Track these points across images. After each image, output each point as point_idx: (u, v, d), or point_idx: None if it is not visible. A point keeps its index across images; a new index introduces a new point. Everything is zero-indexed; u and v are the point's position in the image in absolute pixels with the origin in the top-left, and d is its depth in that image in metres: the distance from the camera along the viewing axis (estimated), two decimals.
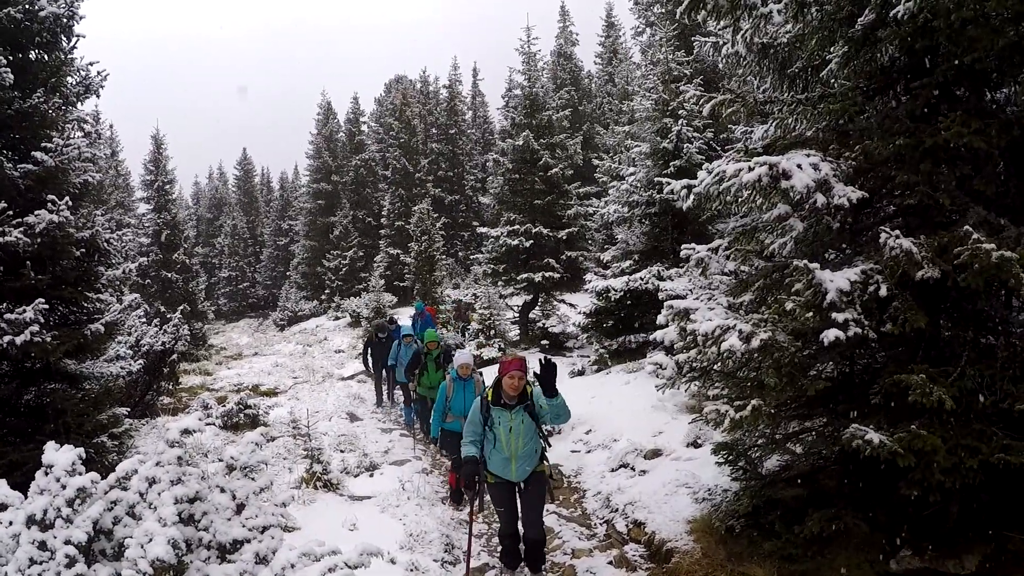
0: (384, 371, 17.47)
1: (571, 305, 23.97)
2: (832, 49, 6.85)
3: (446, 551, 8.43)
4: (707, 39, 7.92)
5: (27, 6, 9.62)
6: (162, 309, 28.55)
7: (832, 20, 6.64)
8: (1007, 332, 5.90)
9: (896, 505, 6.38)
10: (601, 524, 9.32)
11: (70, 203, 8.92)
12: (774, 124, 7.50)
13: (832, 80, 7.00)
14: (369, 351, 18.04)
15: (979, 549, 6.03)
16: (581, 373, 17.75)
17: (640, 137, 18.99)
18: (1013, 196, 6.07)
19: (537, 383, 6.98)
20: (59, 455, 5.35)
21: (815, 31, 6.80)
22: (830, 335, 5.52)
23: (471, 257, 40.50)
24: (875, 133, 6.28)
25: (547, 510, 9.03)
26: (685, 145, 16.71)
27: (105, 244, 9.86)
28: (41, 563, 4.92)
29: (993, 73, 6.10)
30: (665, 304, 6.83)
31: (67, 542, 4.97)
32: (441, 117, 53.88)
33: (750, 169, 5.99)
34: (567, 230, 24.22)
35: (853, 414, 6.20)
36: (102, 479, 5.50)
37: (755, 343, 5.81)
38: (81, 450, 5.46)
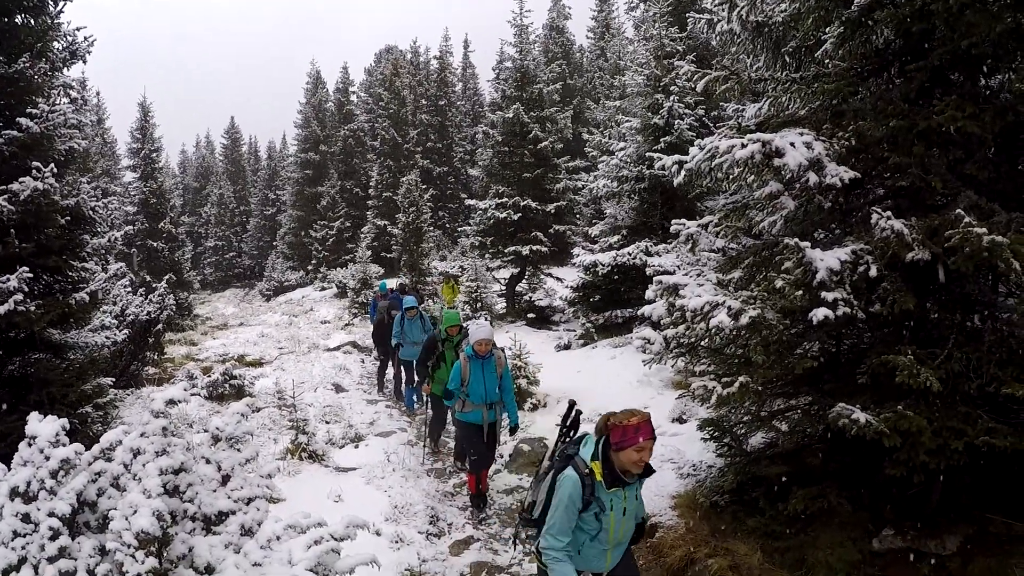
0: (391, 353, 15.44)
1: (558, 279, 24.02)
2: (828, 29, 6.81)
3: (431, 523, 8.46)
4: (701, 15, 7.87)
5: None
6: (148, 278, 28.42)
7: (828, 0, 6.60)
8: (994, 316, 5.92)
9: (879, 485, 6.44)
10: None
11: (55, 170, 8.82)
12: (767, 102, 7.47)
13: (827, 60, 6.97)
14: (379, 335, 16.11)
15: (960, 530, 6.08)
16: (567, 347, 17.80)
17: (631, 112, 18.97)
18: (1004, 181, 6.08)
19: None
20: (42, 426, 5.31)
21: (811, 10, 6.77)
22: (819, 314, 5.53)
23: (459, 229, 40.39)
24: (869, 114, 6.26)
25: None
26: (676, 121, 16.70)
27: (90, 212, 9.77)
28: (25, 536, 4.89)
29: (989, 59, 6.09)
30: (654, 279, 6.84)
31: (51, 514, 4.94)
32: (431, 88, 53.46)
33: (743, 146, 5.97)
34: (556, 204, 24.24)
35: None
36: (86, 450, 5.47)
37: (744, 320, 5.83)
38: (65, 421, 5.41)
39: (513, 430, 9.31)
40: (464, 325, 10.94)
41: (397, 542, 7.80)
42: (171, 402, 5.81)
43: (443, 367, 10.74)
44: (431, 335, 11.19)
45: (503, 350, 9.24)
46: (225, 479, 5.78)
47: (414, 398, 13.86)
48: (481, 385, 8.74)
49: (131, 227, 32.93)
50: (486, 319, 21.81)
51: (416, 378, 13.07)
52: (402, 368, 14.81)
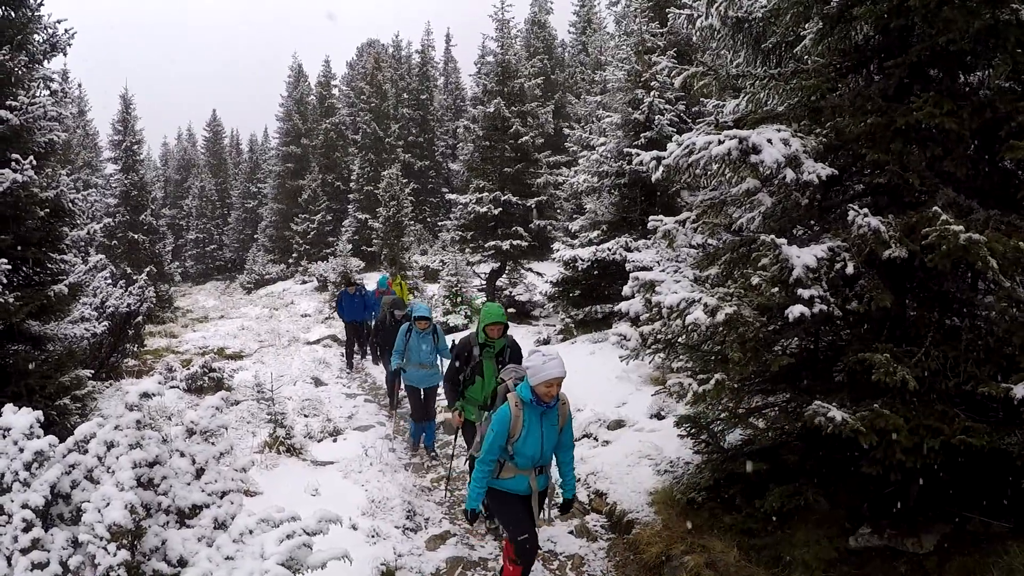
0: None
1: (538, 274, 24.02)
2: (807, 25, 6.82)
3: (408, 518, 8.42)
4: (681, 11, 7.84)
5: None
6: (128, 271, 28.28)
7: None
8: (972, 314, 5.93)
9: (857, 483, 6.45)
10: None
11: (34, 162, 8.78)
12: (746, 99, 7.47)
13: (806, 56, 6.98)
14: (383, 340, 14.32)
15: (938, 529, 6.07)
16: (547, 342, 17.81)
17: (612, 107, 18.97)
18: (983, 179, 6.08)
19: None
20: (17, 418, 5.28)
21: (790, 6, 6.75)
22: (795, 311, 5.51)
23: (440, 223, 40.40)
24: (847, 111, 6.26)
25: None
26: (656, 117, 16.69)
27: (70, 204, 9.74)
28: None
29: (967, 56, 6.08)
30: (631, 275, 6.81)
31: (24, 506, 4.90)
32: (413, 82, 53.44)
33: (720, 142, 5.95)
34: (536, 199, 24.27)
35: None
36: (60, 442, 5.45)
37: (720, 317, 5.80)
38: (39, 413, 5.39)
39: (566, 506, 6.50)
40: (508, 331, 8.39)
41: (373, 536, 7.77)
42: (145, 395, 5.76)
43: (479, 382, 8.16)
44: (465, 341, 8.43)
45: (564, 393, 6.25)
46: (199, 472, 5.76)
47: (422, 435, 11.21)
48: (537, 444, 6.01)
49: (112, 219, 32.77)
50: (466, 316, 21.79)
51: (429, 411, 11.15)
52: (407, 396, 11.50)
